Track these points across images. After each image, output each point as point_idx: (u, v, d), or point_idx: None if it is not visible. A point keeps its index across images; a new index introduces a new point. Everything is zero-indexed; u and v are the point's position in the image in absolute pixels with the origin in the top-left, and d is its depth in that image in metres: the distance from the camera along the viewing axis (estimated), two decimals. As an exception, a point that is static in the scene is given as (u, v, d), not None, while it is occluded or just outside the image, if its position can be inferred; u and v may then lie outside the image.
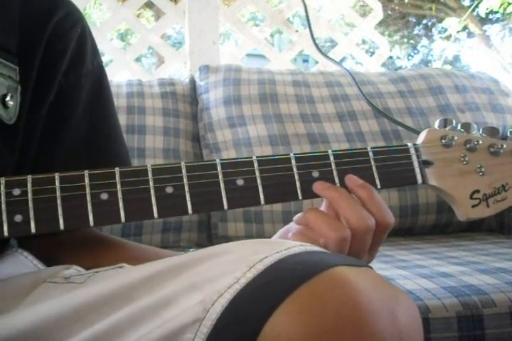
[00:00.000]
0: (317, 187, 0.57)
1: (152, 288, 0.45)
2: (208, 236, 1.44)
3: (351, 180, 0.58)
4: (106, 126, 0.72)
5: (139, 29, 2.07)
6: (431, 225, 1.45)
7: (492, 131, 0.65)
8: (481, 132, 0.65)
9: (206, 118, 1.54)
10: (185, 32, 1.98)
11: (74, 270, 0.58)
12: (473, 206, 0.61)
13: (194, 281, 0.44)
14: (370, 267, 0.46)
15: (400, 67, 10.70)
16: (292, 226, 0.61)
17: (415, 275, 0.95)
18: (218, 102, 1.54)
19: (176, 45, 6.99)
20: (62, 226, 0.52)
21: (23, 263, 0.63)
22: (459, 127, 0.64)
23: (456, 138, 0.62)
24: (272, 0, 5.04)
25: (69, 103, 0.68)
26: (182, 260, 0.47)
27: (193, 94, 1.62)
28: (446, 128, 0.64)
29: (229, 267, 0.43)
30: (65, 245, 0.68)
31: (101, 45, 1.95)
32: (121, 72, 2.00)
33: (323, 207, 0.60)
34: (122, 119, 1.45)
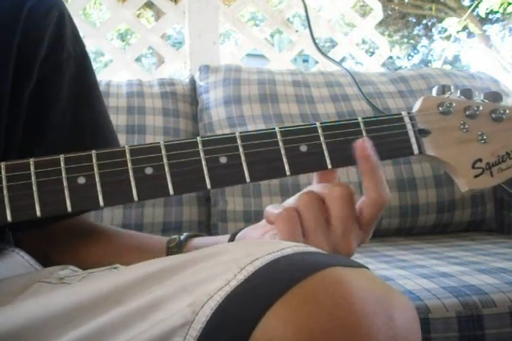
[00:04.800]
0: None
1: (142, 291, 0.44)
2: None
3: (361, 146, 0.54)
4: (92, 111, 0.71)
5: (139, 29, 2.07)
6: (431, 225, 1.45)
7: (494, 96, 0.60)
8: (482, 98, 0.60)
9: (206, 119, 1.54)
10: (185, 32, 1.98)
11: (69, 270, 0.58)
12: (476, 176, 0.57)
13: (185, 284, 0.43)
14: (367, 267, 0.45)
15: (400, 67, 10.70)
16: (285, 203, 0.61)
17: (415, 275, 0.95)
18: (218, 102, 1.54)
19: (176, 45, 6.99)
20: (38, 213, 0.50)
21: (19, 263, 0.62)
22: (458, 94, 0.60)
23: (454, 104, 0.58)
24: (272, 0, 5.04)
25: (51, 89, 0.67)
26: (174, 262, 0.46)
27: (193, 94, 1.62)
28: (445, 95, 0.60)
29: (220, 269, 0.42)
30: (54, 240, 0.68)
31: (101, 45, 1.96)
32: (121, 72, 2.00)
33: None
34: (122, 119, 1.45)
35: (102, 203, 0.51)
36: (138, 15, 6.00)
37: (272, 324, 0.38)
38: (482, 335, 0.84)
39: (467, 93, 0.60)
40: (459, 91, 0.60)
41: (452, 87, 0.60)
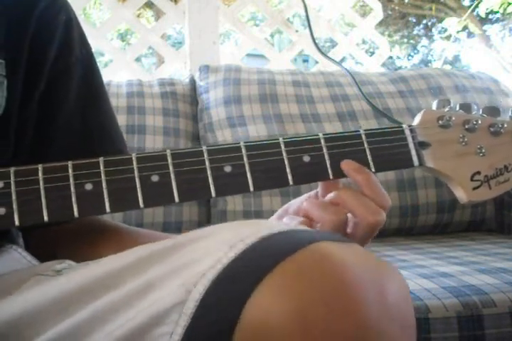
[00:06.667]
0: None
1: (134, 275, 0.45)
2: (208, 236, 1.44)
3: (346, 164, 0.56)
4: (99, 113, 0.71)
5: (139, 29, 2.07)
6: (431, 225, 1.45)
7: (492, 111, 0.62)
8: (481, 112, 0.62)
9: (206, 119, 1.54)
10: (185, 32, 1.98)
11: (66, 264, 0.58)
12: (475, 188, 0.59)
13: (177, 265, 0.44)
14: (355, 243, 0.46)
15: (400, 67, 10.69)
16: (292, 203, 0.61)
17: (415, 275, 0.95)
18: (218, 102, 1.54)
19: (176, 45, 6.98)
20: (46, 218, 0.51)
21: (17, 260, 0.63)
22: (457, 108, 0.61)
23: (453, 118, 0.59)
24: (272, 0, 5.03)
25: (60, 91, 0.67)
26: (165, 245, 0.47)
27: (193, 94, 1.62)
28: (445, 109, 0.61)
29: (211, 248, 0.43)
30: (62, 236, 0.68)
31: (101, 45, 1.96)
32: (121, 72, 2.00)
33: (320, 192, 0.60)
34: (122, 119, 1.45)
35: (108, 209, 0.52)
36: (138, 15, 6.00)
37: (263, 298, 0.38)
38: (482, 335, 0.84)
39: (466, 107, 0.61)
40: (458, 105, 0.61)
41: (452, 101, 0.61)
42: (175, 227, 1.39)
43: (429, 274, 0.96)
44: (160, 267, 0.44)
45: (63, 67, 0.67)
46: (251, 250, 0.42)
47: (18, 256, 0.63)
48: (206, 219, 1.45)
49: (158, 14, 5.71)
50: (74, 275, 0.51)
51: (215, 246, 0.43)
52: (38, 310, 0.46)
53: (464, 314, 0.84)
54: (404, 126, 0.59)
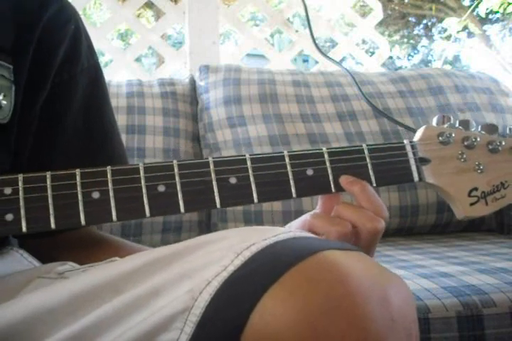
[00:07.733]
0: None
1: (141, 280, 0.45)
2: (208, 236, 1.43)
3: (343, 179, 0.58)
4: (102, 124, 0.71)
5: (139, 29, 2.07)
6: (431, 225, 1.45)
7: (491, 128, 0.64)
8: (479, 129, 0.64)
9: (206, 118, 1.54)
10: (185, 32, 1.98)
11: (68, 266, 0.58)
12: (472, 204, 0.61)
13: (183, 271, 0.44)
14: (362, 251, 0.46)
15: (400, 67, 10.69)
16: (292, 224, 0.62)
17: (415, 276, 0.95)
18: (218, 102, 1.54)
19: (176, 45, 6.98)
20: (53, 225, 0.51)
21: (19, 261, 0.63)
22: (457, 124, 0.63)
23: (453, 135, 0.62)
24: (272, 0, 5.03)
25: (63, 100, 0.67)
26: (171, 250, 0.47)
27: (193, 94, 1.62)
28: (445, 125, 0.63)
29: (217, 255, 0.43)
30: (61, 246, 0.68)
31: (101, 45, 1.96)
32: (121, 72, 2.00)
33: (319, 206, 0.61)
34: (122, 119, 1.46)
35: (115, 218, 0.53)
36: (138, 15, 6.00)
37: (269, 306, 0.39)
38: (482, 335, 0.84)
39: (465, 124, 0.63)
40: (457, 122, 0.64)
41: (452, 118, 0.63)
42: (175, 227, 1.39)
43: (429, 274, 0.96)
44: (166, 272, 0.44)
45: (68, 76, 0.67)
46: (257, 258, 0.42)
47: (19, 257, 0.63)
48: (206, 218, 1.45)
49: (158, 14, 5.70)
50: (82, 278, 0.51)
51: (222, 253, 0.43)
52: (44, 313, 0.46)
53: (464, 314, 0.84)
54: (405, 141, 0.61)
